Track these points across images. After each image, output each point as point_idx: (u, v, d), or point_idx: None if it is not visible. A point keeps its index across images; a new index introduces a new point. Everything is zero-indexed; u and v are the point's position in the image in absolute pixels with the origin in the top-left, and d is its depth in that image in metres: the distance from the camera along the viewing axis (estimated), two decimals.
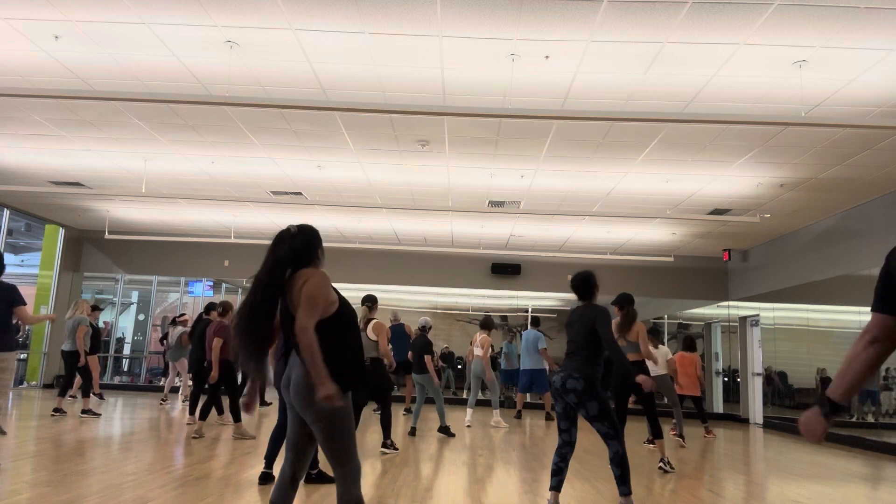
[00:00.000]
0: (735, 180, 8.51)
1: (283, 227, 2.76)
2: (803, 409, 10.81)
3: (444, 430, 8.08)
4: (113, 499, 4.13)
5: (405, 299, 15.55)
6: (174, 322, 10.70)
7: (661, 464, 6.19)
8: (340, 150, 8.02)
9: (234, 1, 4.82)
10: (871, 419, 9.14)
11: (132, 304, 16.23)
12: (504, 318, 15.70)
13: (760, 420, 12.25)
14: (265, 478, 4.83)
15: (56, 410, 8.42)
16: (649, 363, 8.02)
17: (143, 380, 15.21)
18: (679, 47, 5.22)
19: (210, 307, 8.23)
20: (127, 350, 15.55)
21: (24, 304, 5.01)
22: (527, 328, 14.74)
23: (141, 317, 16.18)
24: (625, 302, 6.17)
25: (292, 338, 2.63)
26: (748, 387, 12.98)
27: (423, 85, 6.10)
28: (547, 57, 5.47)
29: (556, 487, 4.19)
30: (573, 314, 4.37)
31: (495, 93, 6.20)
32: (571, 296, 14.88)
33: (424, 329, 8.36)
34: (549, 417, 11.17)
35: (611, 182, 8.84)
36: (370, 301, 6.86)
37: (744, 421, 12.84)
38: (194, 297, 16.51)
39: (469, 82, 6.01)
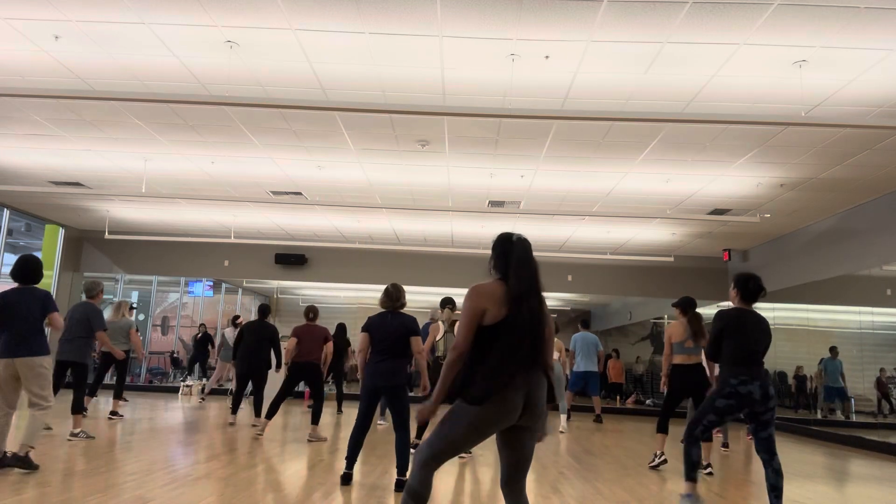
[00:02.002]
0: (735, 180, 8.51)
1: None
2: (803, 410, 10.82)
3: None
4: (113, 499, 4.13)
5: (405, 299, 15.54)
6: (233, 324, 10.79)
7: (656, 460, 6.27)
8: (340, 150, 8.02)
9: (234, 1, 4.82)
10: (865, 419, 9.15)
11: (132, 304, 16.25)
12: None
13: None
14: (346, 479, 4.84)
15: (113, 414, 8.52)
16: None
17: (143, 380, 15.22)
18: (679, 47, 5.22)
19: (265, 310, 8.32)
20: (140, 348, 15.55)
21: (56, 310, 5.09)
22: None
23: (141, 317, 16.19)
24: (690, 306, 6.27)
25: (539, 354, 2.60)
26: None
27: (423, 85, 6.10)
28: (547, 57, 5.47)
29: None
30: (748, 318, 4.24)
31: (495, 93, 6.20)
32: (571, 296, 14.89)
33: None
34: (598, 420, 11.16)
35: (611, 182, 8.84)
36: (451, 304, 7.02)
37: (744, 421, 12.83)
38: (194, 297, 16.51)
39: (469, 82, 6.01)
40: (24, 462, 4.80)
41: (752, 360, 4.15)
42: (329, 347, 7.59)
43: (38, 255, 13.68)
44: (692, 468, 4.20)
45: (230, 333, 10.57)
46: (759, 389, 4.07)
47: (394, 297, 4.99)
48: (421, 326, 6.84)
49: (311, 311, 7.67)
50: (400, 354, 4.85)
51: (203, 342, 13.52)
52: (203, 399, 10.57)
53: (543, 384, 2.59)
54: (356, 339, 12.66)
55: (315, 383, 7.43)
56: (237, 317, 11.14)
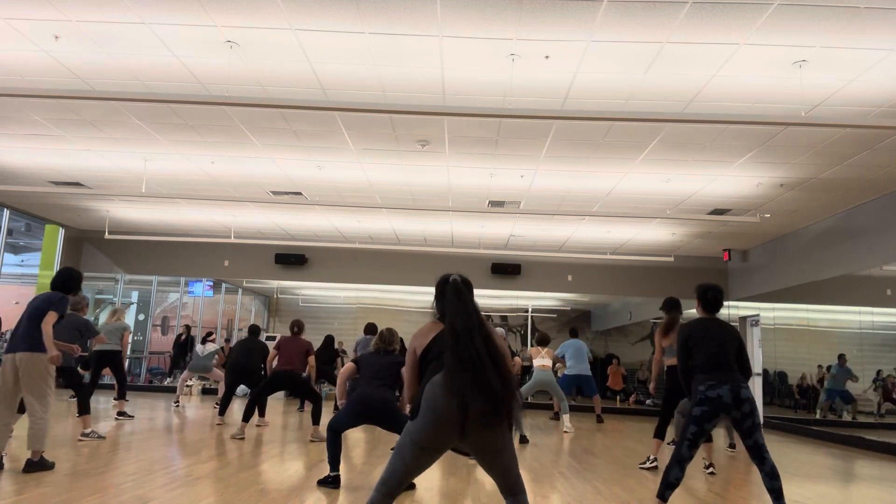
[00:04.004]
0: (735, 180, 8.51)
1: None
2: (803, 410, 10.81)
3: (521, 438, 8.06)
4: (113, 499, 4.13)
5: (405, 299, 15.57)
6: (203, 341, 10.86)
7: (647, 463, 6.31)
8: (340, 150, 8.02)
9: (234, 1, 4.82)
10: (865, 419, 9.15)
11: (132, 304, 16.23)
12: (504, 318, 15.70)
13: (761, 420, 12.25)
14: (335, 481, 4.83)
15: (121, 414, 8.57)
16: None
17: (143, 380, 15.21)
18: (679, 47, 5.22)
19: (256, 330, 8.93)
20: (127, 350, 15.53)
21: (54, 312, 5.01)
22: (530, 331, 14.74)
23: (141, 317, 16.18)
24: (673, 307, 6.31)
25: (489, 377, 2.61)
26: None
27: (423, 85, 6.10)
28: (547, 57, 5.47)
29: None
30: (710, 326, 4.27)
31: (495, 93, 6.20)
32: (571, 296, 14.87)
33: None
34: (599, 420, 11.23)
35: (611, 182, 8.84)
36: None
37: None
38: (194, 297, 16.50)
39: (469, 82, 6.01)
40: (39, 466, 4.85)
41: (721, 365, 4.13)
42: (312, 360, 7.84)
43: (39, 255, 13.71)
44: (667, 486, 4.07)
45: (201, 349, 10.66)
46: (728, 393, 4.04)
47: (387, 341, 5.30)
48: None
49: (296, 325, 7.93)
50: (388, 384, 5.02)
51: (185, 344, 13.75)
52: (177, 403, 10.64)
53: (485, 408, 2.58)
54: (347, 340, 12.59)
55: (300, 390, 7.57)
56: (210, 333, 11.22)
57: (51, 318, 4.97)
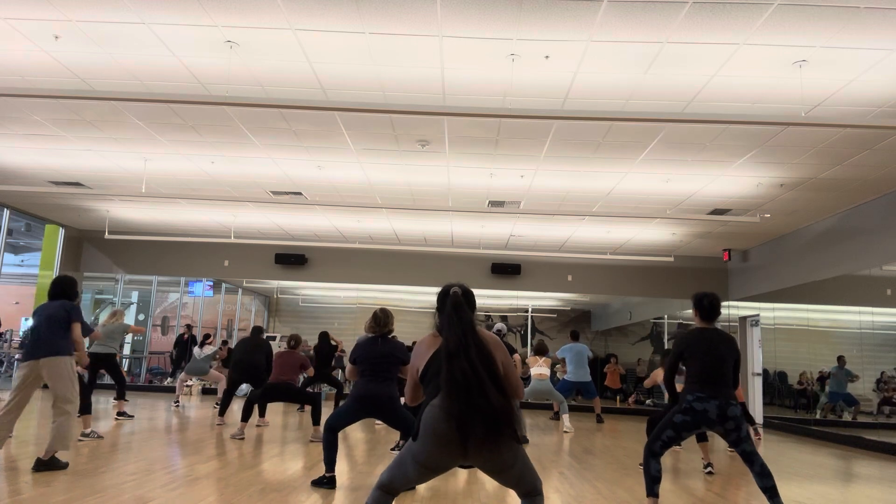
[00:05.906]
0: (735, 180, 8.51)
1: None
2: (803, 410, 10.82)
3: (522, 438, 8.07)
4: (113, 499, 4.13)
5: (405, 299, 15.56)
6: (201, 344, 10.85)
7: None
8: (340, 150, 8.02)
9: (234, 1, 4.82)
10: (865, 419, 9.15)
11: (132, 304, 16.23)
12: (504, 317, 15.70)
13: (761, 420, 12.26)
14: (331, 482, 4.79)
15: (121, 414, 8.64)
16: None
17: (143, 380, 15.22)
18: (679, 47, 5.22)
19: (259, 330, 9.18)
20: (127, 350, 15.54)
21: (78, 320, 5.31)
22: (527, 330, 14.74)
23: (141, 317, 16.18)
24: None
25: (479, 396, 2.58)
26: (748, 387, 12.98)
27: (423, 85, 6.10)
28: (547, 57, 5.47)
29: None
30: (709, 337, 4.19)
31: (495, 93, 6.20)
32: (571, 296, 14.87)
33: (500, 334, 8.30)
34: (599, 420, 11.25)
35: (611, 182, 8.84)
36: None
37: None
38: (194, 297, 16.50)
39: (469, 82, 6.01)
40: (49, 465, 4.92)
41: (715, 379, 4.08)
42: (310, 372, 8.15)
43: (39, 255, 13.71)
44: (653, 482, 4.08)
45: (198, 352, 10.64)
46: (715, 409, 4.00)
47: (381, 323, 5.00)
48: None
49: (293, 339, 8.04)
50: (385, 378, 4.85)
51: (187, 343, 13.75)
52: (177, 403, 10.65)
53: (485, 429, 2.56)
54: (347, 340, 12.58)
55: (296, 397, 7.55)
56: (207, 336, 11.22)
57: (78, 329, 5.27)
